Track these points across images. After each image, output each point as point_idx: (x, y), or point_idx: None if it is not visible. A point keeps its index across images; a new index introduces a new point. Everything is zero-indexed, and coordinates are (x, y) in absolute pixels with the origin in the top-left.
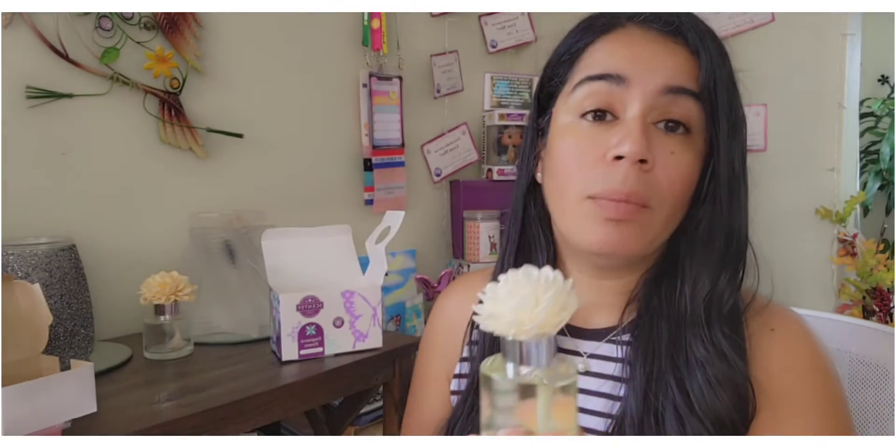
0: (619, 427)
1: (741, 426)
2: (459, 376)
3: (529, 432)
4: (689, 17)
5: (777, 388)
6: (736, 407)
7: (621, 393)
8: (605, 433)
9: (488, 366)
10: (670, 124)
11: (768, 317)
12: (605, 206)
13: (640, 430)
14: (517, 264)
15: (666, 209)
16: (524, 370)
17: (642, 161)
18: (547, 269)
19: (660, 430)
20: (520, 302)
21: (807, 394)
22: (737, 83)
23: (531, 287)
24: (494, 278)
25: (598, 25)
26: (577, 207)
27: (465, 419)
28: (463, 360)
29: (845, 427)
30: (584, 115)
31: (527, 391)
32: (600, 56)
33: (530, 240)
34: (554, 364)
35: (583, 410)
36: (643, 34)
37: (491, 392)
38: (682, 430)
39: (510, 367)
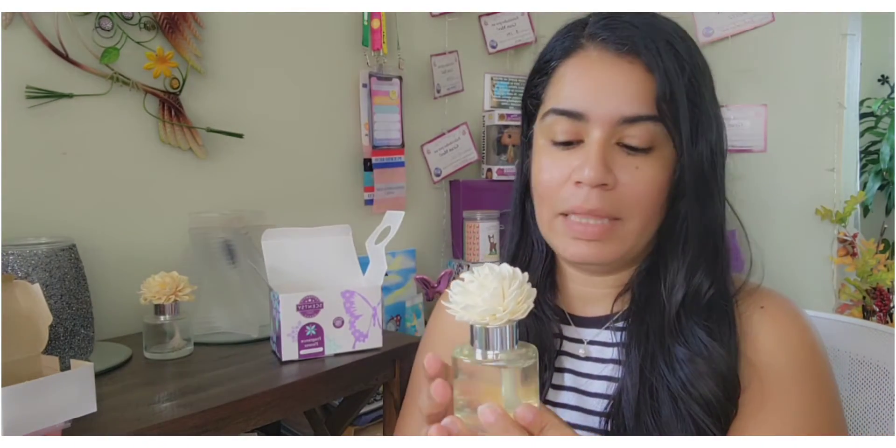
0: (617, 404)
1: (728, 404)
2: None
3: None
4: (646, 28)
5: (766, 363)
6: (722, 388)
7: (619, 375)
8: (605, 413)
9: (459, 352)
10: (631, 147)
11: (759, 297)
12: (573, 227)
13: (637, 405)
14: (517, 258)
15: (638, 218)
16: (491, 354)
17: (602, 184)
18: (506, 266)
19: (654, 405)
20: (491, 294)
21: (795, 369)
22: (700, 87)
23: (498, 281)
24: None
25: (562, 47)
26: (552, 223)
27: None
28: None
29: (830, 401)
30: (554, 143)
31: (494, 373)
32: (563, 85)
33: (529, 234)
34: (517, 348)
35: (585, 393)
36: (600, 56)
37: (462, 376)
38: (675, 406)
39: (479, 352)
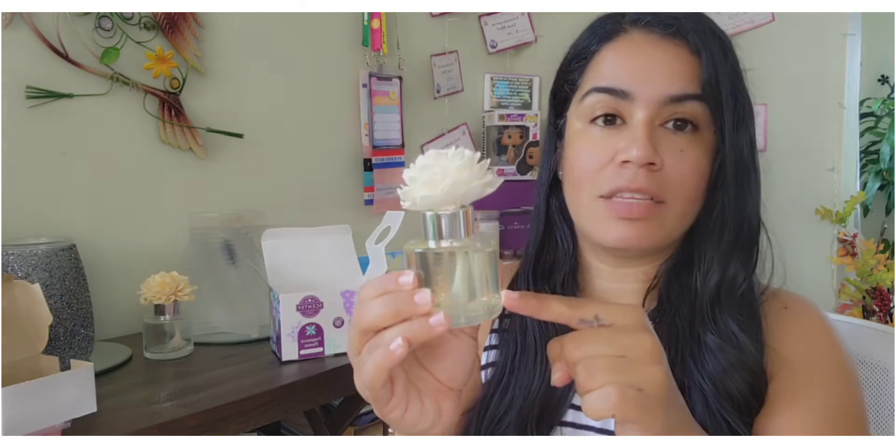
0: None
1: (754, 400)
2: (486, 367)
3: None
4: (690, 16)
5: (790, 358)
6: (749, 384)
7: None
8: None
9: (412, 244)
10: (678, 123)
11: (783, 298)
12: (617, 206)
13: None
14: (540, 259)
15: (680, 203)
16: (445, 244)
17: (650, 164)
18: (458, 148)
19: (687, 403)
20: (430, 177)
21: (819, 363)
22: (741, 76)
23: (440, 162)
24: (522, 272)
25: (602, 32)
26: (591, 207)
27: (496, 405)
28: (488, 348)
29: (855, 397)
30: (594, 121)
31: (448, 261)
32: (606, 67)
33: (554, 232)
34: (473, 238)
35: None
36: (644, 39)
37: (415, 267)
38: (707, 406)
39: (431, 242)
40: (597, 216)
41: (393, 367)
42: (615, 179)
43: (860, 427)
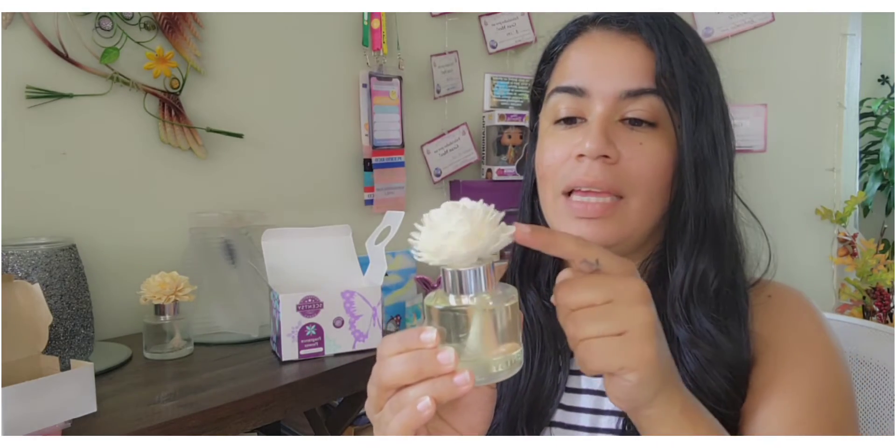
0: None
1: (738, 398)
2: None
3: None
4: (649, 12)
5: (776, 339)
6: (729, 381)
7: None
8: (621, 412)
9: (431, 300)
10: (633, 121)
11: (769, 288)
12: (575, 206)
13: None
14: (526, 259)
15: (640, 198)
16: (465, 299)
17: (605, 156)
18: (476, 202)
19: None
20: (458, 232)
21: (807, 344)
22: (703, 70)
23: (464, 217)
24: (509, 271)
25: (566, 33)
26: (554, 205)
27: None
28: None
29: (842, 372)
30: (557, 122)
31: (466, 317)
32: (567, 66)
33: None
34: (493, 292)
35: (602, 393)
36: (602, 36)
37: (436, 323)
38: None
39: (452, 297)
40: (559, 214)
41: (419, 427)
42: (571, 174)
43: (848, 408)
